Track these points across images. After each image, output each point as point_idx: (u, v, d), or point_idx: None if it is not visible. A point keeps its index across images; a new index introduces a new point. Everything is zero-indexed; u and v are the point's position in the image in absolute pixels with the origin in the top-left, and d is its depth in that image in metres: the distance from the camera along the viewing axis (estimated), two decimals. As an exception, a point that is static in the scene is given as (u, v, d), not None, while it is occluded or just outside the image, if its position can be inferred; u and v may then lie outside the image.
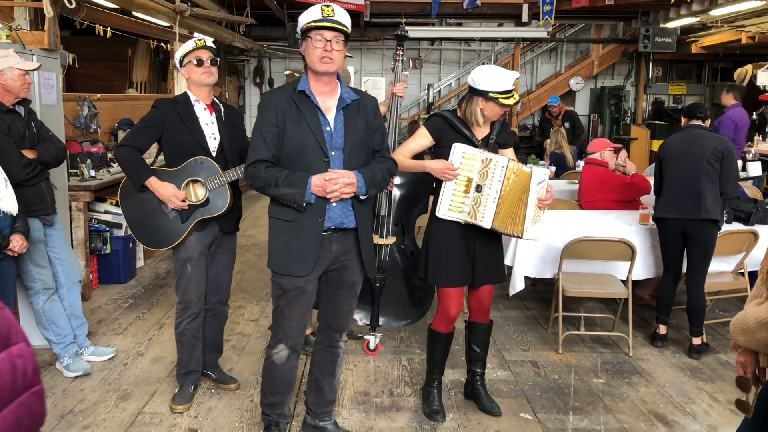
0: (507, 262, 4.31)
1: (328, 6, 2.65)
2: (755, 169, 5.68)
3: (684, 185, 4.21)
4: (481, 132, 3.25)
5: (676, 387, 3.83)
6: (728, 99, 8.27)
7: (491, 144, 3.23)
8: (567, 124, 9.58)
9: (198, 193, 3.33)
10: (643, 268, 4.58)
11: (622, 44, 12.23)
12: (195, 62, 3.30)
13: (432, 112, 10.21)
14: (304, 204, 2.65)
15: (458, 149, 3.13)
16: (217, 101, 3.47)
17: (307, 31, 2.65)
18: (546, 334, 4.63)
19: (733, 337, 1.87)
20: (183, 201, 3.29)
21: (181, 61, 3.36)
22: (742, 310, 1.86)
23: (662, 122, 11.83)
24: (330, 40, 2.63)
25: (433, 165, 3.16)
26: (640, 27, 10.60)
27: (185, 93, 3.41)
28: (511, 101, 3.12)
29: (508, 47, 13.01)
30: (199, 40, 3.37)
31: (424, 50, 13.34)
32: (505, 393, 3.71)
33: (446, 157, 3.15)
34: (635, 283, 5.08)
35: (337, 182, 2.63)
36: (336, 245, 2.79)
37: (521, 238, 3.08)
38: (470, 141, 3.19)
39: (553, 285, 4.48)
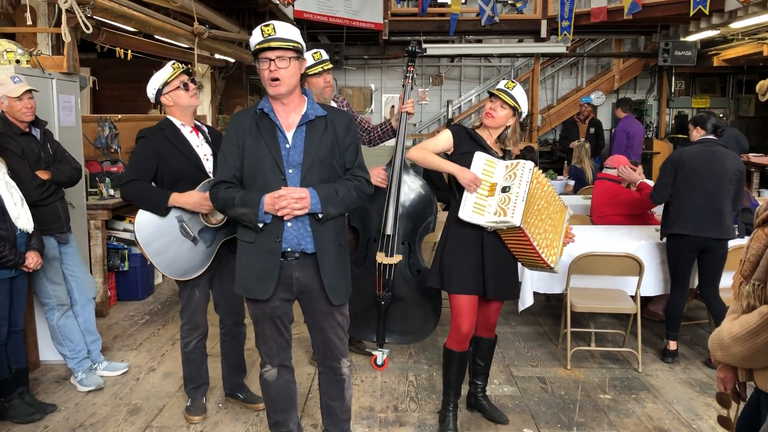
0: (517, 277, 4.33)
1: (267, 25, 2.61)
2: None
3: (706, 204, 4.20)
4: (497, 151, 3.33)
5: (684, 403, 3.79)
6: (619, 113, 9.22)
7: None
8: (592, 130, 9.51)
9: (216, 215, 3.30)
10: (653, 285, 4.54)
11: (642, 58, 12.14)
12: (182, 86, 3.31)
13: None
14: (260, 224, 2.62)
15: (481, 156, 3.19)
16: (198, 123, 3.44)
17: (255, 55, 2.63)
18: (556, 350, 4.62)
19: (712, 354, 1.88)
20: (204, 219, 3.27)
21: (160, 90, 3.30)
22: (719, 326, 1.86)
23: (686, 136, 11.65)
24: (273, 60, 2.58)
25: (464, 174, 3.15)
26: (660, 41, 10.53)
27: (167, 119, 3.34)
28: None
29: (528, 63, 13.01)
30: (174, 64, 3.35)
31: (444, 67, 13.39)
32: (510, 408, 3.70)
33: (462, 164, 3.19)
34: (649, 299, 5.06)
35: (285, 198, 2.55)
36: (298, 272, 2.71)
37: (552, 270, 3.17)
38: (488, 153, 3.24)
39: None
